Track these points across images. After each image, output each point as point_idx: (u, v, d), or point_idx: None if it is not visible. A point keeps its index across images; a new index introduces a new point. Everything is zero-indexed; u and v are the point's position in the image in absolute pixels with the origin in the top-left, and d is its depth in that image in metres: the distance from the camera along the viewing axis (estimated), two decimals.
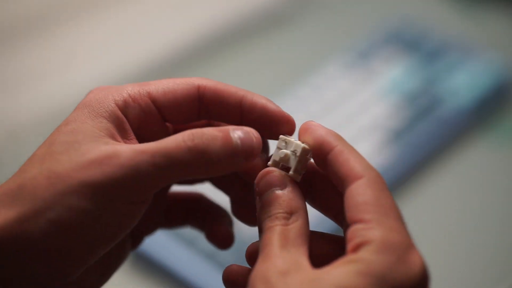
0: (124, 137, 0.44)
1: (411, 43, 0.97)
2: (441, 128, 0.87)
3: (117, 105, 0.44)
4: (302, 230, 0.41)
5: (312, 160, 0.44)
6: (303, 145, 0.43)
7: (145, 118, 0.45)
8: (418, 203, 0.82)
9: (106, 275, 0.48)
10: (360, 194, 0.40)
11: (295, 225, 0.41)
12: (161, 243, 0.76)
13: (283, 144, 0.44)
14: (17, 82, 0.96)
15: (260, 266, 0.39)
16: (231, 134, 0.42)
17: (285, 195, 0.42)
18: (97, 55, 0.99)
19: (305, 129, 0.44)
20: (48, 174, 0.40)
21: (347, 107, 0.90)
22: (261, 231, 0.41)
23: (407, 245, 0.38)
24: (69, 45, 1.01)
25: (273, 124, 0.45)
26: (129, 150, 0.40)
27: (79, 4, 1.06)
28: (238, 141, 0.42)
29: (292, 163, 0.43)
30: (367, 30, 1.01)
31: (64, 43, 1.01)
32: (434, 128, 0.87)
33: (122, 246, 0.49)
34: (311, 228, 0.42)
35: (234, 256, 0.75)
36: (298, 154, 0.43)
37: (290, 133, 0.45)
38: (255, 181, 0.43)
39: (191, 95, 0.46)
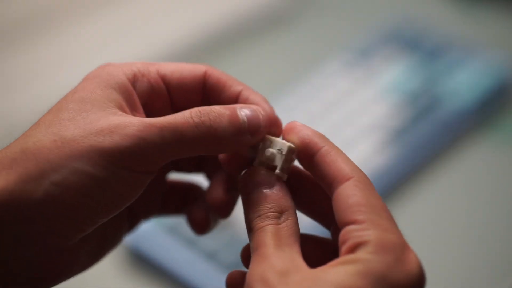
0: (133, 109, 0.44)
1: (411, 42, 0.97)
2: (441, 127, 0.87)
3: (127, 78, 0.45)
4: (293, 228, 0.41)
5: (296, 161, 0.44)
6: (289, 144, 0.43)
7: (153, 94, 0.46)
8: (418, 203, 0.82)
9: (99, 254, 0.47)
10: (350, 195, 0.40)
11: (286, 224, 0.41)
12: (161, 243, 0.76)
13: (268, 143, 0.44)
14: (15, 82, 0.96)
15: (257, 267, 0.39)
16: (238, 112, 0.43)
17: (274, 194, 0.42)
18: (94, 55, 0.99)
19: (290, 128, 0.44)
20: (54, 137, 0.40)
21: (347, 107, 0.90)
22: (251, 230, 0.42)
23: (403, 245, 0.39)
24: (65, 45, 1.01)
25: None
26: (138, 122, 0.41)
27: (76, 4, 1.06)
28: (245, 119, 0.43)
29: (278, 162, 0.43)
30: (368, 30, 1.01)
31: (61, 43, 1.01)
32: (434, 128, 0.87)
33: (119, 227, 0.49)
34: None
35: (234, 256, 0.75)
36: (284, 152, 0.43)
37: (277, 135, 0.45)
38: (240, 180, 0.43)
39: (197, 79, 0.47)
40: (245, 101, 0.46)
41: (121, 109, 0.43)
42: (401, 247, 0.39)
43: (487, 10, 1.06)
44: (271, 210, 0.41)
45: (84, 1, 1.06)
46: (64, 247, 0.41)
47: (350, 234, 0.39)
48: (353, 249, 0.38)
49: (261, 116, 0.44)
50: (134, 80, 0.45)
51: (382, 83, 0.93)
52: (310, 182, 0.45)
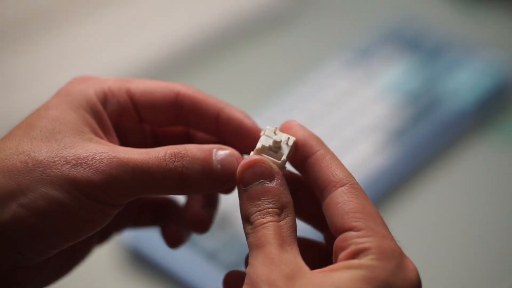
0: (105, 132, 0.44)
1: (411, 42, 0.97)
2: (441, 128, 0.87)
3: (97, 97, 0.45)
4: (293, 226, 0.41)
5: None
6: (294, 138, 0.43)
7: (123, 113, 0.46)
8: (418, 203, 0.82)
9: (68, 267, 0.47)
10: (346, 202, 0.40)
11: (287, 221, 0.41)
12: (161, 244, 0.76)
13: (272, 133, 0.44)
14: (15, 82, 0.96)
15: (262, 268, 0.39)
16: (214, 157, 0.43)
17: (275, 189, 0.42)
18: (94, 55, 0.99)
19: (287, 128, 0.44)
20: (25, 158, 0.40)
21: (347, 107, 0.90)
22: (250, 224, 0.41)
23: (401, 252, 0.40)
24: (65, 45, 1.01)
25: (248, 139, 0.46)
26: (112, 157, 0.41)
27: (76, 4, 1.06)
28: (219, 166, 0.43)
29: (285, 151, 0.43)
30: (368, 29, 1.00)
31: (61, 43, 1.01)
32: (434, 128, 0.87)
33: (88, 241, 0.49)
34: None
35: (234, 256, 0.75)
36: (290, 144, 0.43)
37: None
38: (239, 170, 0.43)
39: (168, 100, 0.46)
40: (228, 118, 0.46)
41: (95, 133, 0.43)
42: (399, 254, 0.39)
43: (487, 10, 1.06)
44: (272, 206, 0.41)
45: (84, 1, 1.06)
46: (28, 266, 0.41)
47: (350, 240, 0.39)
48: (355, 255, 0.39)
49: (235, 163, 0.43)
50: (104, 101, 0.45)
51: (382, 83, 0.93)
52: (303, 184, 0.45)
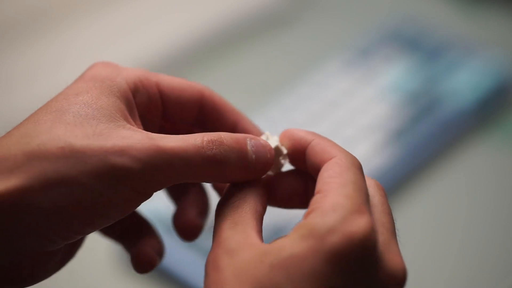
0: (135, 121, 0.44)
1: (412, 42, 0.97)
2: (441, 128, 0.87)
3: (128, 86, 0.44)
4: (250, 204, 0.41)
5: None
6: (277, 144, 0.44)
7: (150, 106, 0.45)
8: (418, 204, 0.82)
9: (73, 251, 0.46)
10: (326, 170, 0.40)
11: (241, 201, 0.41)
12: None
13: (265, 138, 0.45)
14: (15, 82, 0.96)
15: (211, 253, 0.39)
16: (248, 148, 0.43)
17: (233, 187, 0.43)
18: (94, 55, 0.99)
19: (284, 136, 0.45)
20: (61, 144, 0.39)
21: (347, 107, 0.90)
22: (214, 220, 0.42)
23: (354, 209, 0.37)
24: (66, 45, 1.01)
25: None
26: (149, 143, 0.40)
27: (76, 4, 1.06)
28: (253, 156, 0.43)
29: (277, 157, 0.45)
30: (368, 29, 1.00)
31: (61, 43, 1.01)
32: (434, 128, 0.87)
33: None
34: None
35: None
36: (282, 150, 0.45)
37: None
38: None
39: (194, 99, 0.46)
40: (244, 132, 0.47)
41: (127, 120, 0.42)
42: (350, 210, 0.37)
43: (487, 10, 1.06)
44: (232, 200, 0.42)
45: (84, 1, 1.06)
46: (46, 251, 0.41)
47: (311, 203, 0.39)
48: (306, 216, 0.38)
49: (268, 154, 0.43)
50: (134, 90, 0.44)
51: (382, 83, 0.93)
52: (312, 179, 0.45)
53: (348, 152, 0.41)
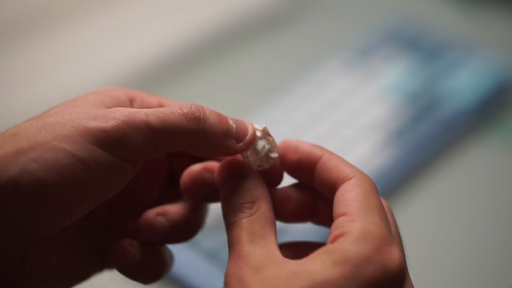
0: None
1: (412, 41, 0.97)
2: (442, 128, 0.87)
3: (125, 94, 0.45)
4: (266, 217, 0.41)
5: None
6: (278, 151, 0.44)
7: None
8: (418, 204, 0.82)
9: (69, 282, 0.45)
10: (348, 191, 0.40)
11: (258, 213, 0.41)
12: None
13: (261, 138, 0.45)
14: (15, 82, 0.96)
15: (233, 265, 0.39)
16: (227, 119, 0.43)
17: (245, 184, 0.42)
18: (94, 55, 0.99)
19: (286, 147, 0.44)
20: (37, 123, 0.39)
21: (347, 107, 0.90)
22: (226, 225, 0.41)
23: (386, 239, 0.38)
24: (66, 45, 1.01)
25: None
26: (124, 109, 0.40)
27: (77, 4, 1.06)
28: (234, 125, 0.43)
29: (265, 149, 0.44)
30: (368, 29, 1.00)
31: (61, 43, 1.01)
32: (435, 128, 0.87)
33: (91, 259, 0.46)
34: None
35: None
36: (279, 153, 0.45)
37: None
38: (218, 169, 0.43)
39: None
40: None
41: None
42: (383, 240, 0.38)
43: (487, 10, 1.06)
44: (242, 200, 0.41)
45: (84, 1, 1.06)
46: (45, 233, 0.39)
47: (337, 225, 0.39)
48: (336, 239, 0.38)
49: (249, 127, 0.43)
50: (132, 100, 0.45)
51: (382, 83, 0.93)
52: (322, 196, 0.45)
53: (363, 172, 0.42)
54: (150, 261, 0.46)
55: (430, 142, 0.86)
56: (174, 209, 0.47)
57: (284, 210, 0.45)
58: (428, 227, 0.80)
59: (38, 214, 0.38)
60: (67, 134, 0.38)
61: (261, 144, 0.44)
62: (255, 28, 1.04)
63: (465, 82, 0.92)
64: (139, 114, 0.40)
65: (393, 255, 0.37)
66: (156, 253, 0.46)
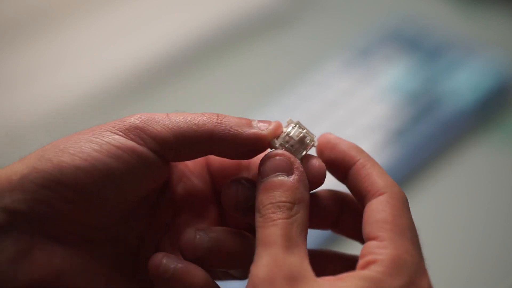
0: None
1: (412, 41, 0.97)
2: (442, 128, 0.87)
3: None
4: (303, 225, 0.40)
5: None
6: (315, 136, 0.44)
7: None
8: (418, 204, 0.82)
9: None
10: (379, 211, 0.40)
11: (297, 218, 0.40)
12: None
13: (294, 126, 0.44)
14: (15, 82, 0.96)
15: (264, 268, 0.38)
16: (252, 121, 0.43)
17: (290, 183, 0.41)
18: (94, 55, 0.99)
19: (326, 143, 0.44)
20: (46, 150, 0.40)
21: (348, 107, 0.90)
22: (261, 216, 0.40)
23: (418, 269, 0.38)
24: (66, 45, 1.01)
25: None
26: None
27: (77, 4, 1.06)
28: (256, 121, 0.43)
29: (303, 148, 0.44)
30: (368, 29, 1.00)
31: (61, 43, 1.01)
32: (435, 128, 0.87)
33: None
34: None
35: None
36: (315, 144, 0.44)
37: None
38: (260, 161, 0.42)
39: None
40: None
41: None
42: (415, 271, 0.38)
43: (487, 10, 1.06)
44: (284, 199, 0.40)
45: (84, 1, 1.06)
46: (92, 224, 0.40)
47: (368, 250, 0.39)
48: (367, 265, 0.38)
49: (272, 122, 0.43)
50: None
51: (382, 83, 0.92)
52: (349, 202, 0.45)
53: (395, 185, 0.41)
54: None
55: (430, 142, 0.86)
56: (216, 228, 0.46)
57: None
58: (428, 227, 0.80)
59: (83, 204, 0.40)
60: (99, 132, 0.40)
61: (294, 130, 0.44)
62: (255, 28, 1.04)
63: (465, 82, 0.92)
64: (159, 114, 0.41)
65: (425, 286, 0.38)
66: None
